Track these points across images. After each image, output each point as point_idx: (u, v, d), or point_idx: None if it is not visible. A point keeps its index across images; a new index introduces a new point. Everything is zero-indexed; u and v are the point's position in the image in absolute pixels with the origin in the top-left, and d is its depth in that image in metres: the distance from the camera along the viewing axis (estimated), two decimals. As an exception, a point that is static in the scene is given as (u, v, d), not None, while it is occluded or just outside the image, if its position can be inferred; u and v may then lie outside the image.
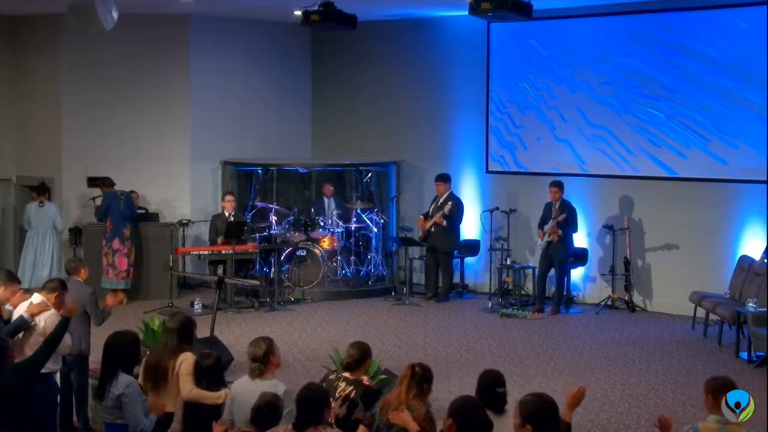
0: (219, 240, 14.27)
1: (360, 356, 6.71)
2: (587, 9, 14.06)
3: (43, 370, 7.32)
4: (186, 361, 6.88)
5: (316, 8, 11.91)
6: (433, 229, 14.52)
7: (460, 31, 15.45)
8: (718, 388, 5.71)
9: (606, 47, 14.16)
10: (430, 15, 15.57)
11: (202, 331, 10.79)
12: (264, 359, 6.41)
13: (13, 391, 6.29)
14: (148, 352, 7.68)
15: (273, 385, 6.30)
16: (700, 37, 13.34)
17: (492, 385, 5.88)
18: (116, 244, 14.15)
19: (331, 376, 6.70)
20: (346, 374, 6.68)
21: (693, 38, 13.41)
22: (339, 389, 6.52)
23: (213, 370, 6.75)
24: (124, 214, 14.24)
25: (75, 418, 8.62)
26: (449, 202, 14.47)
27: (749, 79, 12.94)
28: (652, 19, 13.74)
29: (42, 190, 14.65)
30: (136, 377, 6.81)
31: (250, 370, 6.44)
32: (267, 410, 5.67)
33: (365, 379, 6.76)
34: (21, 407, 6.39)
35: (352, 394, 6.49)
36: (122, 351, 6.45)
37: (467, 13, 10.98)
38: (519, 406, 4.97)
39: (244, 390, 6.36)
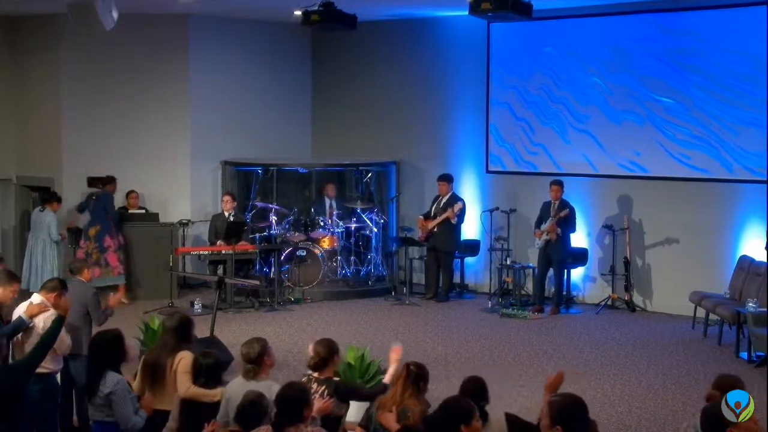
0: (218, 242, 14.30)
1: (327, 353, 6.60)
2: (587, 9, 14.07)
3: (44, 370, 7.32)
4: (184, 359, 6.88)
5: (316, 8, 11.93)
6: (435, 229, 14.52)
7: (460, 31, 15.45)
8: (726, 387, 5.68)
9: (606, 47, 14.17)
10: (430, 15, 15.58)
11: (202, 331, 10.82)
12: (258, 360, 6.39)
13: (9, 392, 6.28)
14: (145, 351, 7.68)
15: (267, 386, 6.28)
16: (701, 37, 13.34)
17: (475, 400, 5.61)
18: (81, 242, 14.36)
19: (303, 379, 6.66)
20: (315, 374, 6.59)
21: (694, 38, 13.41)
22: (311, 391, 6.48)
23: (211, 369, 6.75)
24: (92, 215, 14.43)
25: (75, 417, 8.62)
26: (459, 202, 14.47)
27: (749, 78, 12.94)
28: (653, 18, 13.75)
29: (47, 199, 14.59)
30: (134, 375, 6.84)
31: (244, 372, 6.42)
32: (250, 409, 5.67)
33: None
34: (17, 407, 6.39)
35: (325, 394, 6.47)
36: (106, 349, 6.54)
37: (467, 13, 10.98)
38: (548, 407, 4.87)
39: (238, 391, 6.34)
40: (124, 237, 14.52)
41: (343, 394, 6.58)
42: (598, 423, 8.86)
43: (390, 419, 5.82)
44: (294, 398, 5.51)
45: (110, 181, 14.61)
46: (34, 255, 14.41)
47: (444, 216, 14.40)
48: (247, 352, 6.43)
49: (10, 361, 7.46)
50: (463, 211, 14.51)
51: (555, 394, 4.98)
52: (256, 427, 5.61)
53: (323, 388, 6.50)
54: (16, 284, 7.93)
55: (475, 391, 5.75)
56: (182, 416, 6.63)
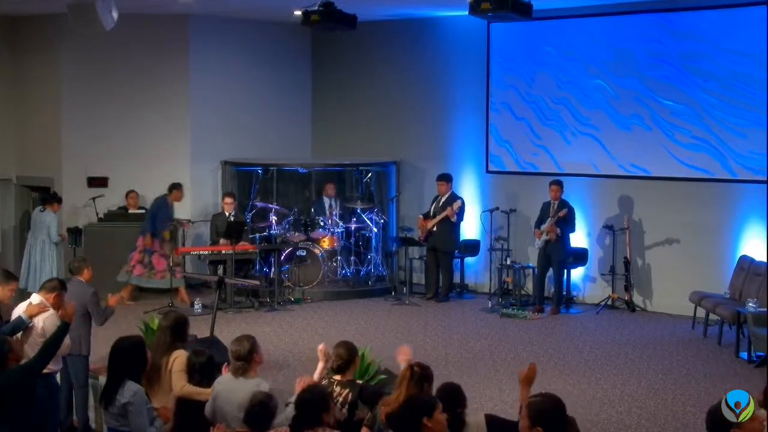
0: (220, 240, 14.28)
1: (349, 356, 6.63)
2: (587, 9, 14.07)
3: (44, 370, 7.31)
4: (179, 358, 6.90)
5: (316, 8, 11.92)
6: (435, 229, 14.52)
7: (460, 31, 15.45)
8: None
9: (606, 47, 14.16)
10: (430, 15, 15.58)
11: (202, 331, 10.82)
12: (248, 357, 6.39)
13: (13, 394, 6.28)
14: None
15: (256, 383, 6.29)
16: (702, 37, 13.32)
17: (452, 406, 5.62)
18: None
19: (324, 382, 6.66)
20: (338, 377, 6.60)
21: (695, 39, 13.40)
22: (334, 394, 6.48)
23: (205, 367, 6.75)
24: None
25: (75, 417, 8.62)
26: (458, 200, 14.47)
27: (751, 79, 12.93)
28: (653, 18, 13.74)
29: (47, 199, 14.57)
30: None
31: (233, 369, 6.42)
32: (259, 410, 5.66)
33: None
34: (22, 409, 6.39)
35: (349, 397, 6.47)
36: (128, 357, 6.26)
37: (467, 13, 10.98)
38: (526, 408, 4.87)
39: (227, 388, 6.35)
40: (162, 244, 14.29)
41: (368, 397, 6.57)
42: (598, 423, 8.89)
43: None
44: (314, 402, 5.49)
45: (174, 187, 14.51)
46: (33, 255, 14.40)
47: (443, 214, 14.40)
48: (237, 350, 6.42)
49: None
50: (462, 209, 14.50)
51: (533, 395, 4.97)
52: (265, 428, 5.60)
53: (347, 391, 6.50)
54: (14, 283, 7.95)
55: (450, 396, 5.74)
56: (178, 415, 6.64)
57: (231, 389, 6.30)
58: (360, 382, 6.77)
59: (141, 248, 14.22)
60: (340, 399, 6.45)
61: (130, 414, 6.16)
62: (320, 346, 6.87)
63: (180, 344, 7.09)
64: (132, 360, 6.27)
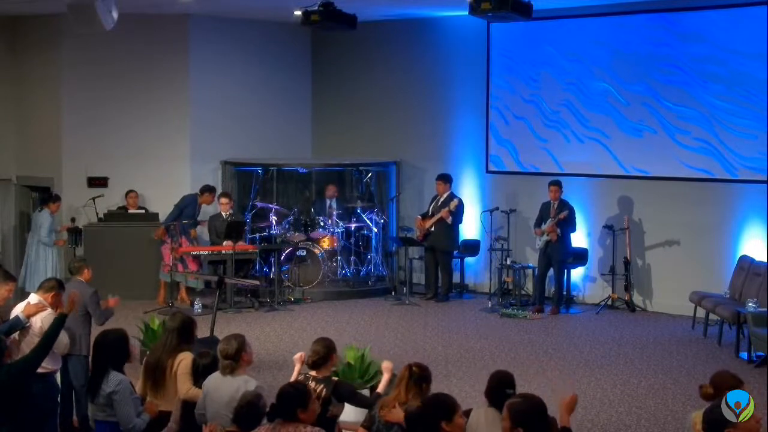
0: (225, 242, 14.29)
1: (326, 352, 6.67)
2: (587, 9, 14.07)
3: (43, 370, 7.31)
4: (184, 360, 6.89)
5: (316, 8, 11.94)
6: (433, 229, 14.53)
7: (460, 31, 15.45)
8: (722, 385, 5.74)
9: (606, 47, 14.16)
10: (430, 15, 15.58)
11: (202, 331, 10.81)
12: (236, 356, 6.42)
13: (11, 390, 6.29)
14: (147, 352, 7.67)
15: (244, 380, 6.32)
16: (702, 37, 13.32)
17: (501, 386, 5.81)
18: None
19: (300, 377, 6.69)
20: (313, 373, 6.65)
21: (693, 38, 13.40)
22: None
23: (209, 369, 6.75)
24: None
25: (74, 417, 8.62)
26: (454, 199, 14.48)
27: (750, 78, 12.93)
28: (653, 18, 13.74)
29: (45, 199, 14.55)
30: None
31: (222, 367, 6.46)
32: (248, 410, 5.68)
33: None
34: (20, 406, 6.39)
35: (323, 393, 6.50)
36: (111, 349, 6.54)
37: (467, 13, 11.00)
38: (507, 410, 4.94)
39: (215, 386, 6.40)
40: (188, 239, 14.42)
41: (342, 394, 6.63)
42: (598, 423, 8.89)
43: (396, 413, 5.85)
44: (291, 397, 5.50)
45: (205, 190, 14.59)
46: (30, 255, 14.41)
47: (438, 216, 14.41)
48: (225, 349, 6.45)
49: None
50: (459, 208, 14.49)
51: (514, 396, 5.02)
52: (253, 427, 5.61)
53: (321, 387, 6.53)
54: (11, 283, 7.95)
55: (501, 383, 5.87)
56: (183, 418, 6.64)
57: (218, 387, 6.35)
58: (335, 378, 6.82)
59: (168, 242, 14.30)
60: (314, 394, 6.48)
61: (115, 403, 6.25)
62: (297, 355, 6.97)
63: (186, 346, 7.09)
64: (115, 352, 6.50)
